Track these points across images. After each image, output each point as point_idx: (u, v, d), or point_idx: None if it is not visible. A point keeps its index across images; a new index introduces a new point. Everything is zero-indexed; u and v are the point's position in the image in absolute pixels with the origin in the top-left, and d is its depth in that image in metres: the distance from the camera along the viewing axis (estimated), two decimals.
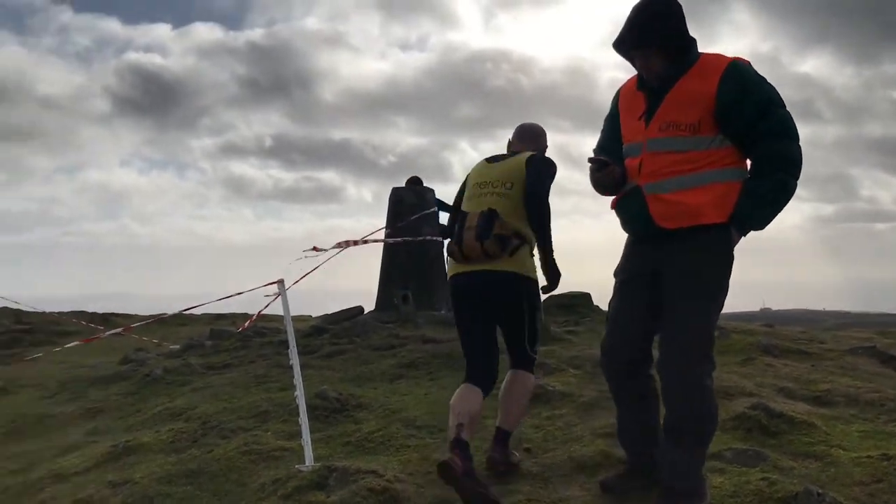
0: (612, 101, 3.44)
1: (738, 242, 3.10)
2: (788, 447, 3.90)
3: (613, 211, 3.38)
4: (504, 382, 3.91)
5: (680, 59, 3.08)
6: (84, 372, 8.04)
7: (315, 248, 5.02)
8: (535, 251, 3.83)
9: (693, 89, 3.03)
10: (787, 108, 3.03)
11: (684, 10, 3.08)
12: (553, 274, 3.80)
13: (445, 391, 5.49)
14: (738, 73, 3.00)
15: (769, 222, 3.08)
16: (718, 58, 3.08)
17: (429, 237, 9.81)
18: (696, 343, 3.04)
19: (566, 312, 9.78)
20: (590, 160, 3.26)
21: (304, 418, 4.10)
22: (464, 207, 3.87)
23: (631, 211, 3.22)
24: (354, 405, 5.09)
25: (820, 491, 3.15)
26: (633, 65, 3.19)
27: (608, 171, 3.22)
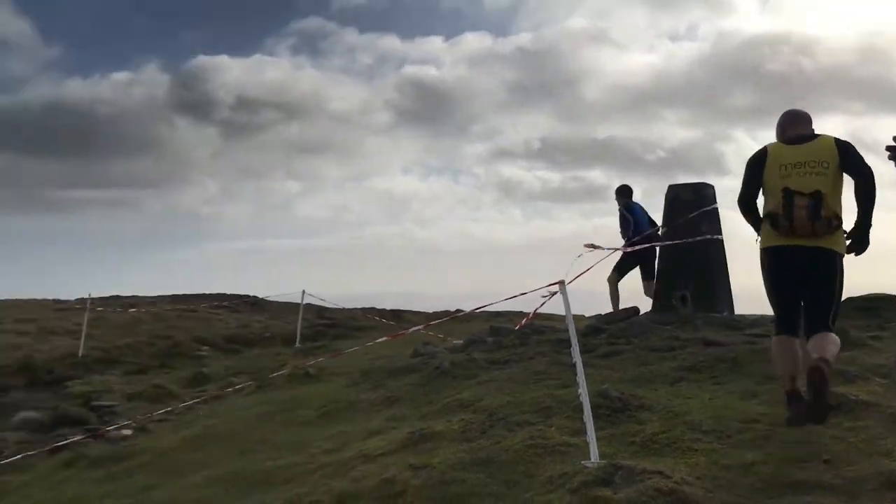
0: None
1: None
2: None
3: None
4: (813, 339, 4.41)
5: None
6: (381, 363, 8.79)
7: (592, 246, 5.12)
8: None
9: None
10: None
11: None
12: (864, 244, 4.45)
13: (732, 396, 5.30)
14: None
15: None
16: None
17: (709, 236, 9.46)
18: None
19: (867, 316, 8.94)
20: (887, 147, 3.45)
21: (588, 415, 4.19)
22: (788, 185, 4.35)
23: None
24: (636, 405, 5.09)
25: None
26: None
27: None
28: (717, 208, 9.91)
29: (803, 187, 4.30)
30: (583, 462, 4.01)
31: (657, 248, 9.97)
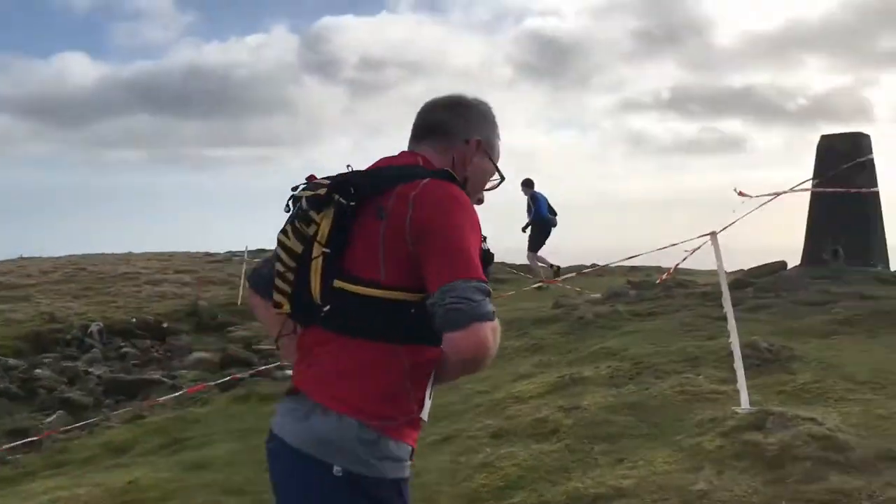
0: None
1: None
2: None
3: None
4: None
5: None
6: (522, 314, 9.04)
7: (741, 193, 5.10)
8: None
9: None
10: None
11: None
12: None
13: (888, 349, 5.23)
14: None
15: None
16: None
17: (864, 188, 9.09)
18: None
19: None
20: None
21: (738, 363, 4.29)
22: None
23: None
24: (787, 357, 5.11)
25: None
26: None
27: None
28: (872, 159, 9.48)
29: None
30: (733, 408, 4.13)
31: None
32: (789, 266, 10.15)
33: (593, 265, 18.67)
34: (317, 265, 1.71)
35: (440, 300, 1.58)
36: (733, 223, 4.91)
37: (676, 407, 4.46)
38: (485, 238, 1.74)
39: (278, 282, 1.78)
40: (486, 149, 1.91)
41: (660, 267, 16.18)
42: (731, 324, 4.41)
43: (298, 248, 1.74)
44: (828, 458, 3.44)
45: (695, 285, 9.22)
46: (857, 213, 9.21)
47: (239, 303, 15.08)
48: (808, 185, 9.44)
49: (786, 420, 3.79)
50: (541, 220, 13.23)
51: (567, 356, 6.35)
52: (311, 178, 1.80)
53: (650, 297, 8.63)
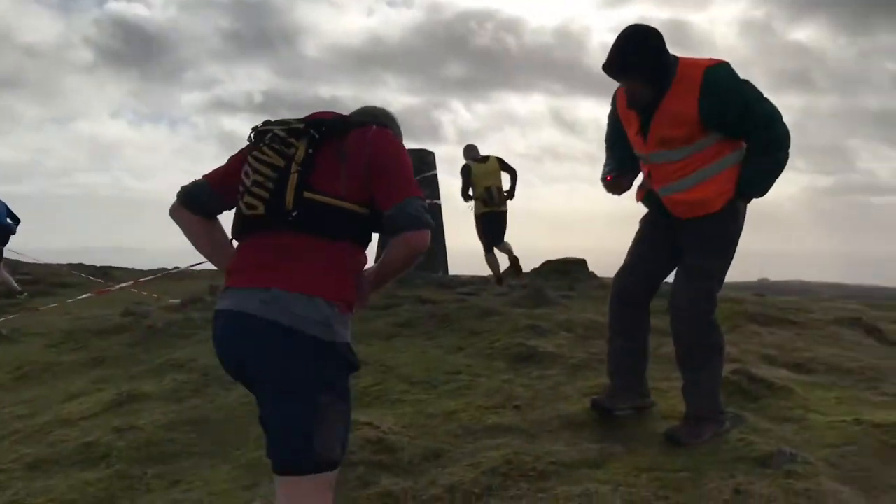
0: (612, 101, 3.85)
1: (745, 206, 3.67)
2: (767, 411, 4.07)
3: (640, 203, 3.91)
4: None
5: (660, 83, 3.42)
6: (87, 323, 8.20)
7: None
8: None
9: (676, 109, 3.41)
10: (767, 97, 3.43)
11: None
12: None
13: (441, 350, 5.66)
14: (714, 83, 3.35)
15: (769, 190, 3.59)
16: (694, 69, 3.40)
17: (429, 201, 9.92)
18: (703, 287, 3.61)
19: (561, 277, 9.94)
20: (607, 181, 3.83)
21: None
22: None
23: (652, 204, 3.81)
24: None
25: (792, 451, 3.32)
26: (621, 84, 3.60)
27: (620, 185, 3.83)
28: (436, 174, 10.41)
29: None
30: None
31: None
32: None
33: (176, 268, 17.84)
34: (293, 179, 2.21)
35: (402, 210, 2.20)
36: None
37: (241, 419, 4.29)
38: None
39: (255, 189, 2.24)
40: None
41: None
42: None
43: (280, 162, 2.25)
44: (380, 461, 3.53)
45: None
46: None
47: None
48: None
49: None
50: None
51: (130, 370, 5.83)
52: (267, 122, 2.38)
53: None
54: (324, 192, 2.20)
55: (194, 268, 11.49)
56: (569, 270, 10.32)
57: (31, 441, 4.36)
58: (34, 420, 4.79)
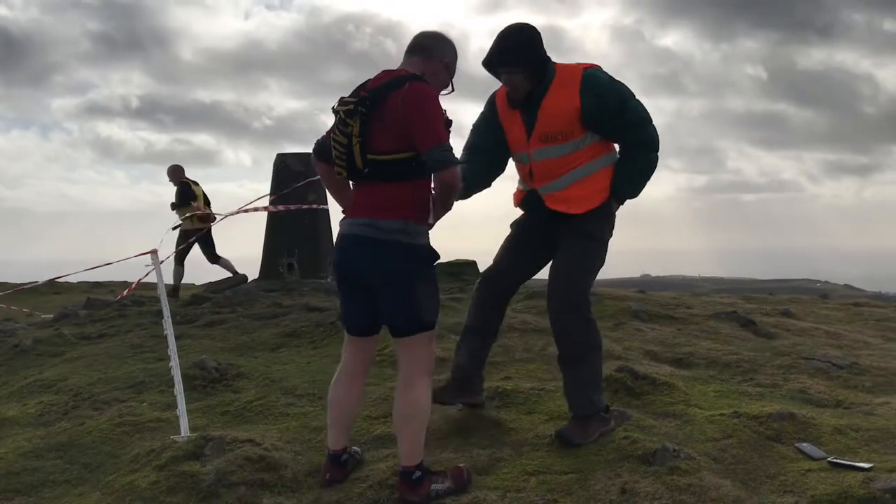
0: (487, 105, 3.92)
1: (617, 209, 3.82)
2: (650, 407, 4.15)
3: (518, 208, 3.97)
4: None
5: (540, 78, 3.59)
6: None
7: (179, 227, 4.99)
8: None
9: (559, 103, 3.57)
10: (638, 98, 3.62)
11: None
12: None
13: (327, 359, 5.52)
14: (593, 82, 3.56)
15: (641, 191, 3.78)
16: (573, 70, 3.61)
17: (315, 205, 9.74)
18: (577, 285, 3.68)
19: (451, 279, 9.95)
20: None
21: (179, 388, 4.05)
22: None
23: (532, 206, 3.85)
24: (234, 375, 5.05)
25: (675, 447, 3.38)
26: (500, 80, 3.70)
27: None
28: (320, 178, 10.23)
29: None
30: (172, 437, 3.87)
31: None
32: (250, 279, 10.39)
33: (50, 282, 16.89)
34: (356, 149, 3.06)
35: (431, 155, 2.94)
36: (177, 251, 4.72)
37: (114, 442, 4.03)
38: (444, 111, 3.03)
39: (337, 160, 3.14)
40: (449, 68, 3.31)
41: (126, 282, 15.35)
42: (172, 347, 4.15)
43: (344, 140, 3.08)
44: (262, 479, 3.37)
45: (153, 302, 8.80)
46: (310, 228, 9.83)
47: None
48: (265, 201, 9.76)
49: (224, 444, 3.65)
50: None
51: None
52: (340, 99, 3.11)
53: (103, 316, 7.98)
54: (379, 151, 3.06)
55: (68, 279, 10.87)
56: (459, 272, 10.35)
57: None
58: None
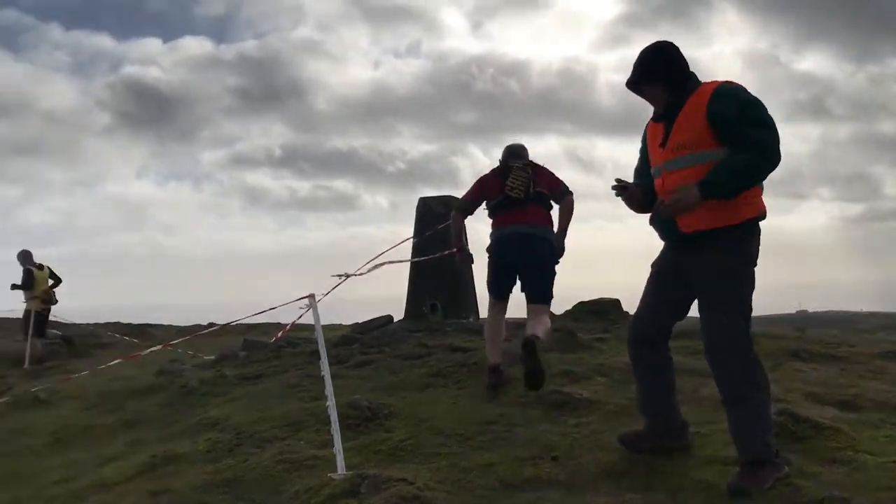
0: (643, 134, 4.03)
1: (696, 198, 3.48)
2: (815, 453, 3.93)
3: (651, 227, 3.91)
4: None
5: (681, 90, 3.66)
6: (121, 384, 8.22)
7: (346, 275, 5.23)
8: None
9: (691, 112, 3.59)
10: (768, 110, 3.51)
11: (677, 45, 3.77)
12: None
13: (473, 400, 5.58)
14: (724, 90, 3.56)
15: (734, 194, 3.49)
16: (712, 83, 3.63)
17: (458, 250, 9.88)
18: (728, 316, 3.55)
19: (595, 319, 9.82)
20: (613, 186, 3.82)
21: (335, 427, 4.21)
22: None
23: (659, 222, 3.79)
24: (385, 414, 5.19)
25: (845, 496, 3.18)
26: (644, 97, 3.81)
27: (629, 194, 3.83)
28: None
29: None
30: (330, 474, 4.02)
31: None
32: (395, 320, 10.66)
33: (210, 325, 17.92)
34: (530, 184, 5.79)
35: (560, 193, 5.89)
36: (333, 288, 4.97)
37: (274, 478, 4.23)
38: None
39: (517, 187, 5.77)
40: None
41: (279, 324, 16.07)
42: (329, 387, 4.33)
43: (524, 177, 5.80)
44: None
45: (306, 343, 9.19)
46: (452, 270, 9.99)
47: None
48: (408, 244, 10.02)
49: (380, 483, 3.76)
50: None
51: (163, 431, 5.81)
52: (511, 162, 5.95)
53: (260, 358, 8.40)
54: (539, 187, 5.82)
55: (229, 325, 11.53)
56: (602, 311, 10.20)
57: None
58: (71, 485, 4.78)
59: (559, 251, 5.72)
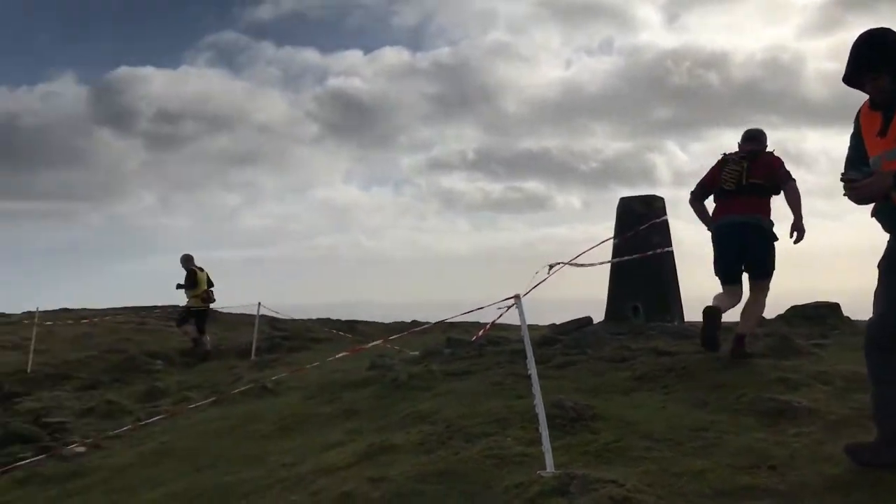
0: (854, 121, 3.85)
1: None
2: None
3: (874, 218, 3.76)
4: None
5: None
6: (337, 376, 8.79)
7: (551, 266, 5.30)
8: None
9: None
10: None
11: None
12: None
13: (682, 405, 5.45)
14: None
15: None
16: None
17: (659, 249, 9.68)
18: None
19: (811, 324, 9.24)
20: (842, 179, 3.64)
21: (543, 426, 4.28)
22: None
23: (885, 213, 3.65)
24: (591, 416, 5.20)
25: None
26: (864, 90, 3.67)
27: (859, 185, 3.60)
28: (667, 220, 10.15)
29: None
30: (539, 472, 4.10)
31: None
32: (595, 321, 10.59)
33: (413, 322, 18.64)
34: (744, 175, 6.51)
35: (781, 178, 6.51)
36: (536, 286, 5.03)
37: (485, 473, 4.37)
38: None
39: (730, 180, 6.58)
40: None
41: (478, 322, 16.45)
42: (536, 387, 4.41)
43: (738, 169, 6.57)
44: None
45: (507, 342, 9.36)
46: (655, 271, 9.78)
47: (29, 370, 13.73)
48: (609, 245, 9.93)
49: (589, 483, 3.79)
50: None
51: (378, 422, 6.17)
52: (730, 154, 6.80)
53: (464, 355, 8.66)
54: (754, 178, 6.49)
55: (436, 323, 11.95)
56: (819, 316, 9.56)
57: (296, 489, 4.72)
58: (297, 469, 5.20)
59: (799, 231, 6.21)
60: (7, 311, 23.97)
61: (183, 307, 15.73)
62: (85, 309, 25.65)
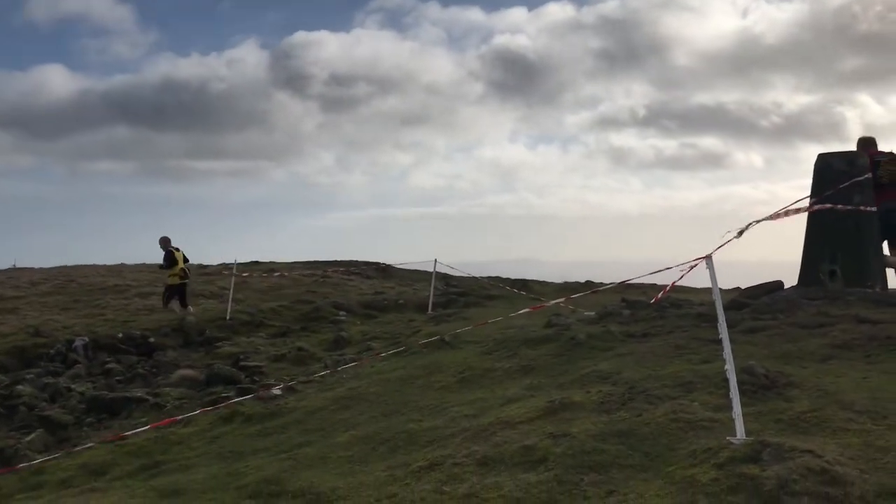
0: None
1: None
2: None
3: None
4: None
5: None
6: (515, 333, 8.88)
7: (740, 232, 5.02)
8: None
9: None
10: None
11: None
12: None
13: (887, 376, 5.08)
14: None
15: None
16: None
17: (861, 206, 8.96)
18: None
19: None
20: None
21: (734, 392, 4.12)
22: None
23: None
24: (784, 383, 4.95)
25: None
26: None
27: None
28: (870, 178, 9.36)
29: None
30: (728, 438, 3.97)
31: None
32: (786, 286, 10.01)
33: (587, 283, 18.45)
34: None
35: None
36: (723, 245, 4.77)
37: (669, 435, 4.29)
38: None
39: (884, 178, 8.98)
40: None
41: (655, 284, 16.04)
42: (727, 351, 4.25)
43: (890, 169, 8.68)
44: (827, 493, 3.28)
45: (689, 305, 9.07)
46: (854, 233, 9.08)
47: (228, 317, 14.90)
48: (806, 203, 9.30)
49: (783, 452, 3.63)
50: None
51: (558, 379, 6.19)
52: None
53: (644, 317, 8.49)
54: None
55: (618, 284, 11.78)
56: None
57: (478, 440, 4.84)
58: (478, 420, 5.33)
59: None
60: (205, 263, 26.07)
61: (166, 287, 16.62)
62: (273, 262, 27.45)
